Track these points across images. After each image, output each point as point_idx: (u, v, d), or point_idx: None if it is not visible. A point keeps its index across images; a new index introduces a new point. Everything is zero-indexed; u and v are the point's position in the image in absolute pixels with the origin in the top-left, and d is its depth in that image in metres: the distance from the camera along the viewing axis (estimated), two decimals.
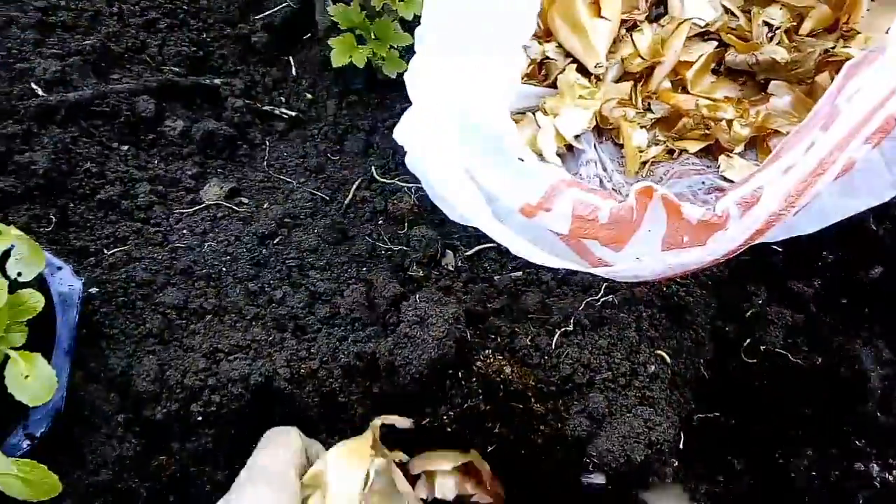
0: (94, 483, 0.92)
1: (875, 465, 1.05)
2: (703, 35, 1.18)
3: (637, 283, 1.01)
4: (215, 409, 0.96)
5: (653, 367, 0.95)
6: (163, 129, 1.25)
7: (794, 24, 1.14)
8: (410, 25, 1.26)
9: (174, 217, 1.16)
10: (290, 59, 1.40)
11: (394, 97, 1.33)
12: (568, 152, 1.13)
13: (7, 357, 0.83)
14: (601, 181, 1.09)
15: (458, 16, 0.94)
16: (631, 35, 1.18)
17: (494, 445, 0.99)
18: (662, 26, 1.18)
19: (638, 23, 1.18)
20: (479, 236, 1.14)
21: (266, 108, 1.34)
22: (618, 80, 1.18)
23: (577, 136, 1.12)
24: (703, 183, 1.08)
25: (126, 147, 1.21)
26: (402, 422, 0.97)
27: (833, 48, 1.10)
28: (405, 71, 1.25)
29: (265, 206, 1.20)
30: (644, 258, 0.85)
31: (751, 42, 1.14)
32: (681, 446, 0.98)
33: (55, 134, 1.13)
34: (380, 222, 1.18)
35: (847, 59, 1.05)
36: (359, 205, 1.21)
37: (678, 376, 1.00)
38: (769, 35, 1.15)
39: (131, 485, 0.94)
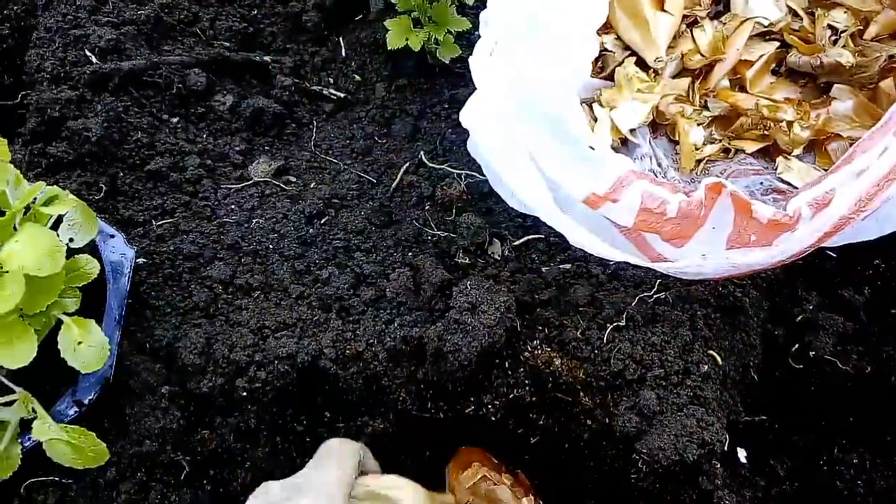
0: (137, 453, 0.92)
1: None
2: (765, 35, 1.16)
3: (693, 280, 0.99)
4: (260, 386, 0.95)
5: (706, 367, 0.93)
6: (212, 103, 1.24)
7: (860, 28, 1.12)
8: (466, 10, 1.25)
9: (222, 192, 1.15)
10: (340, 39, 1.39)
11: (443, 83, 1.31)
12: (622, 146, 1.12)
13: (60, 322, 0.83)
14: (655, 176, 1.08)
15: (526, 1, 0.93)
16: (691, 31, 1.17)
17: (538, 438, 0.98)
18: (724, 24, 1.16)
19: (699, 19, 1.17)
20: (526, 226, 1.13)
21: (314, 87, 1.34)
22: (676, 76, 1.16)
23: (632, 130, 1.11)
24: (760, 184, 1.06)
25: (176, 119, 1.20)
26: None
27: None
28: (458, 56, 1.25)
29: (312, 185, 1.19)
30: (709, 256, 0.83)
31: (813, 44, 1.13)
32: (726, 449, 0.96)
33: (108, 102, 1.13)
34: (427, 207, 1.17)
35: None
36: (405, 189, 1.20)
37: (728, 378, 0.98)
38: (832, 38, 1.13)
39: (173, 457, 0.94)
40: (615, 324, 0.97)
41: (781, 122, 1.08)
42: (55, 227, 0.89)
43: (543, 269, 1.08)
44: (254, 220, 1.11)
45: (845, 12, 1.14)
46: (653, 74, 1.15)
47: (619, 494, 0.95)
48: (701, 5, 1.18)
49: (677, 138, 1.12)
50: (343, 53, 1.39)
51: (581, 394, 0.94)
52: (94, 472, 0.89)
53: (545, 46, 0.89)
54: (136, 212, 1.09)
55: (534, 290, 1.05)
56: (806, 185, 0.83)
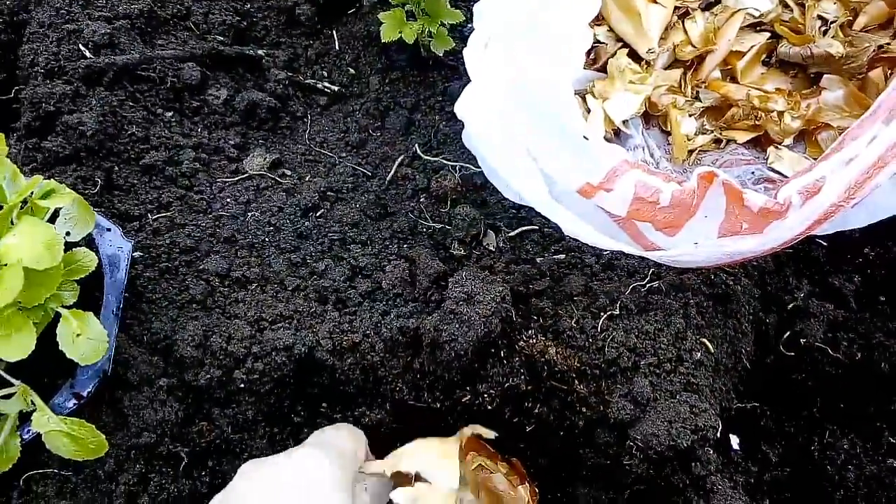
0: (136, 445, 0.93)
1: None
2: (755, 26, 1.17)
3: (686, 269, 1.00)
4: (258, 377, 0.96)
5: (698, 355, 0.95)
6: (206, 97, 1.24)
7: (849, 18, 1.13)
8: (460, 2, 1.26)
9: (217, 185, 1.15)
10: (334, 32, 1.39)
11: (437, 75, 1.32)
12: (615, 137, 1.13)
13: (58, 315, 0.83)
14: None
15: None
16: (683, 22, 1.17)
17: (534, 426, 0.99)
18: (715, 15, 1.17)
19: (691, 10, 1.17)
20: (521, 217, 1.14)
21: (308, 81, 1.34)
22: (668, 67, 1.17)
23: (625, 122, 1.12)
24: (752, 173, 1.07)
25: (170, 113, 1.20)
26: (488, 433, 0.96)
27: (888, 44, 1.09)
28: (451, 49, 1.26)
29: (307, 178, 1.20)
30: (701, 244, 0.84)
31: (804, 35, 1.14)
32: (718, 435, 0.98)
33: (102, 96, 1.13)
34: (421, 199, 1.18)
35: None
36: (400, 181, 1.20)
37: (720, 365, 0.99)
38: (823, 29, 1.14)
39: (172, 448, 0.94)
40: (609, 313, 0.98)
41: (772, 112, 1.09)
42: (52, 221, 0.90)
43: (538, 260, 1.09)
44: (249, 214, 1.12)
45: (835, 3, 1.15)
46: (645, 66, 1.16)
47: (614, 481, 0.96)
48: None
49: (669, 129, 1.13)
50: (337, 46, 1.39)
51: (576, 382, 0.95)
52: (93, 463, 0.89)
53: (539, 39, 0.90)
54: (132, 205, 1.09)
55: (528, 280, 1.06)
56: (796, 173, 0.84)
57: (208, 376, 0.95)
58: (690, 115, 1.13)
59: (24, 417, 0.84)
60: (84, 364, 0.83)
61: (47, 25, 1.20)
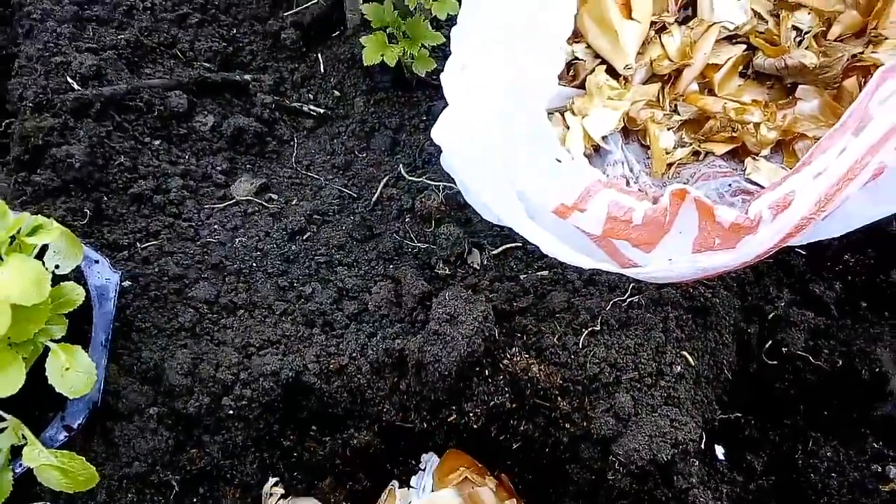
0: (127, 475, 0.94)
1: (893, 467, 1.06)
2: (732, 38, 1.19)
3: (664, 284, 1.02)
4: (246, 403, 0.97)
5: (678, 368, 0.96)
6: (194, 124, 1.26)
7: (823, 28, 1.15)
8: (440, 24, 1.27)
9: (205, 212, 1.17)
10: (319, 55, 1.41)
11: (421, 96, 1.34)
12: (595, 153, 1.14)
13: (47, 349, 0.85)
14: (627, 182, 1.11)
15: (494, 16, 0.95)
16: (660, 37, 1.19)
17: (519, 443, 1.01)
18: (691, 29, 1.18)
19: (667, 25, 1.19)
20: (505, 235, 1.15)
21: (294, 104, 1.36)
22: (646, 82, 1.19)
23: (604, 137, 1.13)
24: (729, 185, 1.09)
25: (158, 141, 1.22)
26: None
27: (861, 53, 1.10)
28: (434, 69, 1.27)
29: (294, 202, 1.22)
30: (675, 260, 0.86)
31: (779, 46, 1.15)
32: (702, 446, 0.99)
33: (90, 128, 1.15)
34: (407, 220, 1.19)
35: (875, 64, 1.07)
36: (386, 202, 1.22)
37: (702, 377, 1.01)
38: (797, 39, 1.16)
39: (163, 477, 0.96)
40: (590, 328, 0.99)
41: (749, 123, 1.11)
42: (41, 254, 0.92)
43: (521, 277, 1.10)
44: (237, 240, 1.14)
45: (809, 13, 1.17)
46: (623, 82, 1.17)
47: (599, 496, 0.97)
48: (668, 11, 1.21)
49: (649, 143, 1.14)
50: (322, 70, 1.41)
51: (559, 399, 0.96)
52: (85, 495, 0.91)
53: (512, 61, 0.91)
54: (121, 235, 1.11)
55: (512, 297, 1.07)
56: (767, 187, 0.86)
57: (198, 404, 0.97)
58: (669, 129, 1.14)
59: (17, 451, 0.85)
60: (74, 397, 0.84)
61: (35, 59, 1.22)
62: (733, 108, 1.12)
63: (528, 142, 0.89)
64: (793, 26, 1.17)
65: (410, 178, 1.23)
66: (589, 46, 1.20)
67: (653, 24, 1.20)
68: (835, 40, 1.15)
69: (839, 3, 1.16)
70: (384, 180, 1.24)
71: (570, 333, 1.00)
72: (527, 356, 0.98)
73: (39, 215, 0.91)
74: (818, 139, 1.05)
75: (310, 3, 1.42)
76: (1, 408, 0.85)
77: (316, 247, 1.14)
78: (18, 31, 1.29)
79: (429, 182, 1.21)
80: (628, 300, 1.02)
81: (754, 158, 1.10)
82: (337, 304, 1.08)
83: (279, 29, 1.41)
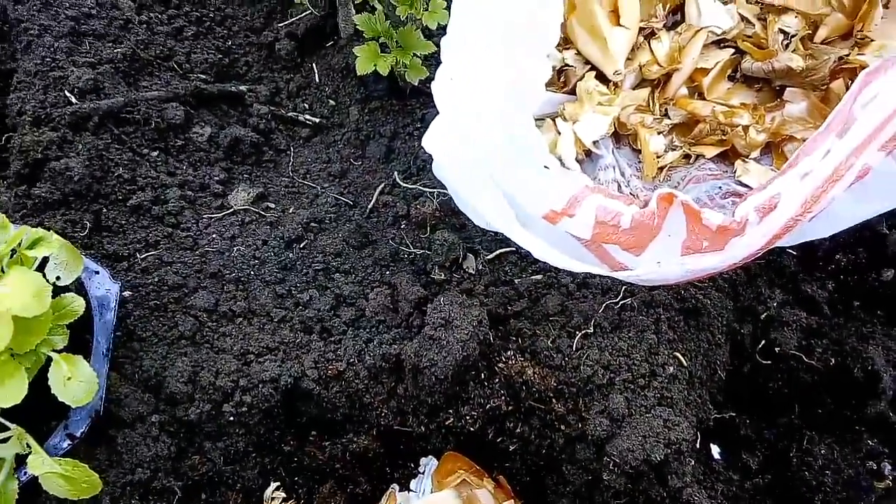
0: (130, 481, 0.95)
1: (887, 464, 1.08)
2: (720, 42, 1.20)
3: (656, 286, 1.03)
4: (247, 410, 0.99)
5: (671, 369, 0.97)
6: (191, 135, 1.28)
7: (810, 31, 1.16)
8: (432, 33, 1.29)
9: (203, 222, 1.19)
10: (314, 65, 1.43)
11: (415, 103, 1.35)
12: (586, 158, 1.16)
13: (50, 359, 0.86)
14: (619, 186, 1.12)
15: (483, 25, 0.96)
16: (649, 42, 1.20)
17: (516, 445, 1.02)
18: (680, 34, 1.20)
19: (656, 31, 1.20)
20: (499, 240, 1.17)
21: (290, 114, 1.38)
22: (635, 87, 1.20)
23: (595, 142, 1.14)
24: (719, 188, 1.10)
25: (156, 153, 1.24)
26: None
27: (847, 55, 1.12)
28: (427, 77, 1.29)
29: (291, 210, 1.23)
30: (664, 263, 0.87)
31: (766, 49, 1.16)
32: (697, 446, 1.00)
33: (89, 141, 1.17)
34: (402, 226, 1.21)
35: (861, 66, 1.08)
36: (381, 209, 1.24)
37: (695, 378, 1.02)
38: (785, 43, 1.17)
39: (166, 483, 0.97)
40: (584, 331, 1.01)
41: (738, 126, 1.12)
42: (42, 266, 0.93)
43: (516, 281, 1.12)
44: (235, 248, 1.15)
45: (796, 16, 1.18)
46: (613, 87, 1.19)
47: (594, 495, 0.98)
48: (657, 17, 1.22)
49: (639, 147, 1.16)
50: (317, 79, 1.43)
51: (554, 401, 0.97)
52: (89, 501, 0.92)
53: (500, 70, 0.93)
54: (121, 246, 1.13)
55: (507, 301, 1.09)
56: (753, 190, 0.87)
57: (199, 411, 0.98)
58: (659, 133, 1.16)
59: (21, 460, 0.87)
60: (76, 406, 0.86)
61: (33, 73, 1.24)
62: (722, 111, 1.13)
63: (517, 149, 0.91)
64: (780, 30, 1.18)
65: (405, 185, 1.25)
66: (579, 53, 1.22)
67: (641, 29, 1.21)
68: (821, 43, 1.16)
69: (825, 6, 1.17)
70: (380, 187, 1.25)
71: (563, 336, 1.01)
72: (522, 359, 1.00)
73: (40, 228, 0.93)
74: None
75: (303, 14, 1.44)
76: (5, 417, 0.86)
77: (313, 254, 1.16)
78: (17, 46, 1.31)
79: (423, 189, 1.23)
80: (621, 303, 1.03)
81: (744, 161, 1.11)
82: (334, 310, 1.10)
83: (274, 40, 1.43)
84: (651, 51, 1.20)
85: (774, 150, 1.13)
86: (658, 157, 1.14)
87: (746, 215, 0.85)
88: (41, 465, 0.84)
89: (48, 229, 0.97)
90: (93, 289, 0.99)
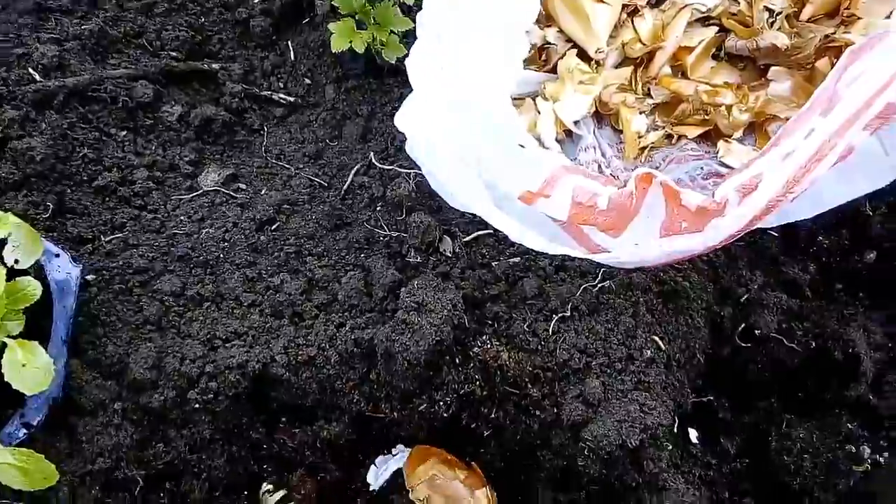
0: (90, 472, 0.93)
1: (866, 448, 1.06)
2: (704, 20, 1.17)
3: (634, 268, 1.01)
4: (213, 397, 0.96)
5: (649, 352, 0.95)
6: (160, 114, 1.24)
7: (795, 9, 1.13)
8: (410, 9, 1.26)
9: (172, 203, 1.15)
10: (289, 43, 1.39)
11: (392, 82, 1.32)
12: (567, 138, 1.13)
13: (4, 345, 0.83)
14: (600, 167, 1.09)
15: (460, 1, 0.93)
16: (632, 20, 1.17)
17: (490, 431, 1.00)
18: (663, 11, 1.17)
19: (639, 8, 1.17)
20: (476, 222, 1.14)
21: (264, 93, 1.34)
22: (618, 66, 1.17)
23: (576, 122, 1.12)
24: (701, 168, 1.08)
25: (124, 133, 1.20)
26: None
27: (833, 34, 1.09)
28: (405, 56, 1.25)
29: (263, 192, 1.20)
30: (642, 244, 0.85)
31: (751, 27, 1.14)
32: (675, 430, 0.99)
33: (53, 120, 1.13)
34: (378, 208, 1.18)
35: (847, 44, 1.05)
36: (357, 191, 1.21)
37: (673, 361, 1.00)
38: (770, 20, 1.14)
39: (128, 473, 0.95)
40: (561, 314, 0.98)
41: (721, 106, 1.09)
42: None
43: (493, 264, 1.09)
44: (204, 231, 1.12)
45: None
46: (595, 65, 1.16)
47: (570, 482, 0.96)
48: None
49: (621, 127, 1.13)
50: (292, 57, 1.39)
51: (529, 385, 0.95)
52: (47, 492, 0.89)
53: (477, 47, 0.90)
54: (85, 228, 1.09)
55: (484, 285, 1.06)
56: (734, 170, 0.85)
57: (163, 398, 0.95)
58: (641, 112, 1.13)
59: None
60: (31, 393, 0.83)
61: None
62: (705, 90, 1.10)
63: (493, 127, 0.88)
64: (765, 7, 1.15)
65: (382, 165, 1.22)
66: (560, 31, 1.18)
67: (624, 7, 1.18)
68: (807, 21, 1.13)
69: None
70: (355, 168, 1.22)
71: (540, 320, 0.99)
72: (497, 344, 0.97)
73: None
74: None
75: None
76: None
77: (285, 237, 1.13)
78: None
79: (400, 170, 1.20)
80: (599, 285, 1.01)
81: (727, 141, 1.09)
82: (306, 294, 1.07)
83: (248, 17, 1.39)
84: (634, 28, 1.17)
85: (758, 129, 1.11)
86: (640, 137, 1.11)
87: (726, 196, 0.82)
88: None
89: (7, 211, 0.93)
90: (53, 272, 0.95)
